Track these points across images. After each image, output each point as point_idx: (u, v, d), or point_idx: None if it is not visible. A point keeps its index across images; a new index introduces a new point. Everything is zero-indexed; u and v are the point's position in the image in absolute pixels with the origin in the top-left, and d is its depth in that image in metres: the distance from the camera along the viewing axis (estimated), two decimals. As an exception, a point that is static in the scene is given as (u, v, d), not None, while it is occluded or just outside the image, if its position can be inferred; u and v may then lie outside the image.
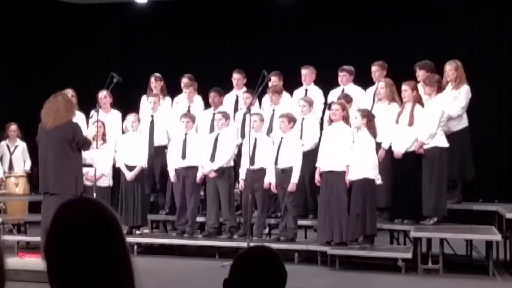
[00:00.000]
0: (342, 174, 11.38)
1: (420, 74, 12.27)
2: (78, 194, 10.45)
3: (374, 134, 11.37)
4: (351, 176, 11.25)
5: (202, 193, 13.16)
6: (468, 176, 12.30)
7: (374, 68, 12.80)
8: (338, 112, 11.62)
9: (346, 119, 11.59)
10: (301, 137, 12.38)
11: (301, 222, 12.42)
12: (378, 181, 11.30)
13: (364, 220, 11.15)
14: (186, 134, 12.92)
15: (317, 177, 11.76)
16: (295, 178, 11.92)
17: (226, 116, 12.88)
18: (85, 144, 10.89)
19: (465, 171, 12.21)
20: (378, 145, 11.61)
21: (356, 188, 11.21)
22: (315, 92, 13.28)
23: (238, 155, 12.78)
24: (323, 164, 11.63)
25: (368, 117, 11.41)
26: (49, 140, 10.57)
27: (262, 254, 2.95)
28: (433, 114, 11.46)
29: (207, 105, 13.82)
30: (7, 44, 17.64)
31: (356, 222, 11.17)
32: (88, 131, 11.51)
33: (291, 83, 13.64)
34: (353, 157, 11.28)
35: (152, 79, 14.13)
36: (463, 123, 12.15)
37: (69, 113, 10.63)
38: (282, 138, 12.14)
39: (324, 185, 11.61)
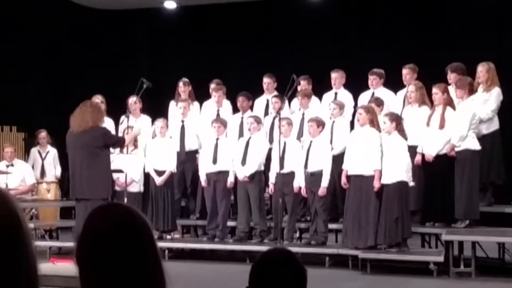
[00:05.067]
0: (371, 178, 11.33)
1: (452, 76, 12.21)
2: (107, 198, 10.49)
3: (405, 137, 11.31)
4: (384, 180, 11.17)
5: (232, 197, 13.17)
6: (499, 179, 12.21)
7: (405, 71, 12.75)
8: (362, 117, 11.58)
9: (372, 122, 11.52)
10: (331, 141, 12.35)
11: (331, 226, 12.38)
12: (411, 183, 11.24)
13: (402, 224, 11.09)
14: (217, 139, 12.93)
15: (343, 180, 11.71)
16: (325, 182, 11.89)
17: (258, 120, 12.88)
18: (118, 142, 11.00)
19: (497, 174, 12.11)
20: (410, 148, 11.52)
21: (391, 192, 11.11)
22: (345, 96, 13.25)
23: (268, 159, 12.76)
24: (350, 168, 11.59)
25: (397, 120, 11.35)
26: (76, 146, 10.62)
27: (278, 256, 2.93)
28: (464, 116, 11.40)
29: (235, 110, 13.83)
30: (38, 51, 17.77)
31: (395, 227, 11.09)
32: (134, 130, 11.78)
33: (321, 87, 13.62)
34: (385, 161, 11.22)
35: (180, 84, 14.16)
36: (494, 125, 12.06)
37: (94, 119, 10.62)
38: (311, 142, 12.12)
39: (352, 189, 11.56)
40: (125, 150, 12.67)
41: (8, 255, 1.62)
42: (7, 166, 13.88)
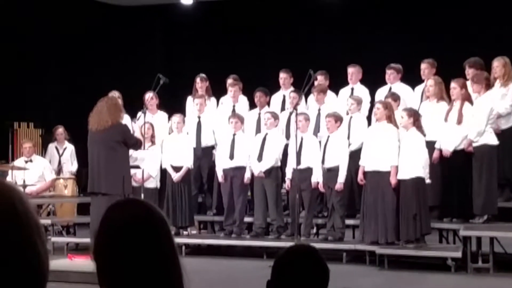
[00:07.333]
0: (388, 174, 11.30)
1: (470, 72, 12.11)
2: (125, 194, 10.49)
3: (423, 133, 11.27)
4: (401, 176, 11.14)
5: (249, 193, 13.16)
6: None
7: (423, 66, 12.69)
8: (379, 111, 11.55)
9: (390, 118, 11.48)
10: (349, 136, 12.32)
11: (348, 221, 12.36)
12: (427, 180, 11.19)
13: (420, 220, 11.05)
14: (234, 134, 12.93)
15: (360, 176, 11.68)
16: (341, 177, 11.87)
17: (275, 116, 12.86)
18: (136, 144, 11.00)
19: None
20: (428, 144, 11.47)
21: (408, 188, 11.07)
22: (361, 91, 13.21)
23: (284, 155, 12.74)
24: (367, 163, 11.56)
25: (415, 116, 11.31)
26: (95, 142, 10.65)
27: (302, 252, 2.93)
28: (481, 111, 11.34)
29: (252, 105, 13.82)
30: (54, 47, 17.82)
31: (414, 223, 11.05)
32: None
33: (338, 82, 13.59)
34: (403, 156, 11.18)
35: (198, 80, 14.15)
36: (513, 120, 11.99)
37: (113, 116, 10.63)
38: (328, 137, 12.10)
39: (368, 185, 11.54)
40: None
41: (5, 251, 1.57)
42: (26, 162, 13.93)
